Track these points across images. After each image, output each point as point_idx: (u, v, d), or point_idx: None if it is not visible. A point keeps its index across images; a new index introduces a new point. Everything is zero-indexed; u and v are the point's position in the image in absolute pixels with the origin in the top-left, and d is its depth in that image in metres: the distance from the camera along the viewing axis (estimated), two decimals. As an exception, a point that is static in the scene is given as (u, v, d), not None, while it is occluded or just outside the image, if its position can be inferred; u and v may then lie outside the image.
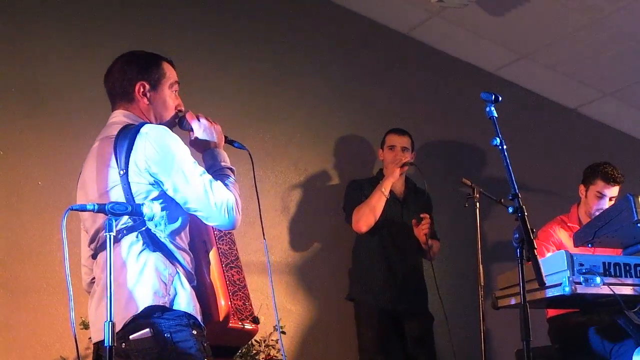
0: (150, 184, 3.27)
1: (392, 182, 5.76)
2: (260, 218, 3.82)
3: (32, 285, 5.11)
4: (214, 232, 3.62)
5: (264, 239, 3.75)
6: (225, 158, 3.57)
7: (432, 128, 7.03)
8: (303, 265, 6.12)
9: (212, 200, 3.28)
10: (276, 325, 5.08)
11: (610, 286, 4.26)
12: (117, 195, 3.25)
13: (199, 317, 3.28)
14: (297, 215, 6.22)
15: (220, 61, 6.16)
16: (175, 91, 3.60)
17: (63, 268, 2.97)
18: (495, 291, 4.84)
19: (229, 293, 3.46)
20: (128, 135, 3.29)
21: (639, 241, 4.55)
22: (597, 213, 5.58)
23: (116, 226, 3.19)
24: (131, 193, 3.24)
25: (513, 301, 4.56)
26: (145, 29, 5.88)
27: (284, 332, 5.66)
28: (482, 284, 5.24)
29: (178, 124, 3.62)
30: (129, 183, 3.24)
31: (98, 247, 3.39)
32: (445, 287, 6.42)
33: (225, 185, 3.39)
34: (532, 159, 7.28)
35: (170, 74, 3.58)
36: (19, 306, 5.06)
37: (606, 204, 5.68)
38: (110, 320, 2.90)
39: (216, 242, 3.60)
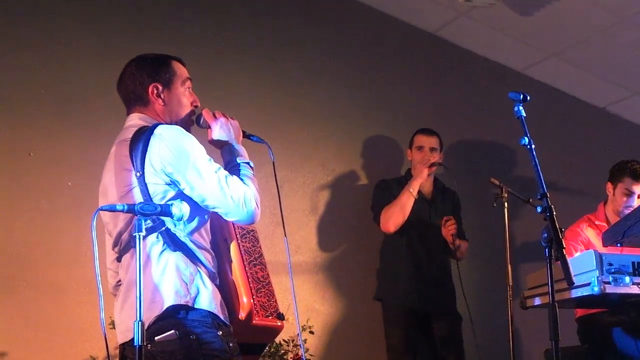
0: (166, 184, 3.29)
1: (421, 182, 5.76)
2: (281, 213, 3.84)
3: (63, 285, 5.15)
4: (235, 230, 3.64)
5: (285, 235, 3.74)
6: (242, 153, 3.57)
7: (460, 128, 7.01)
8: (331, 265, 6.13)
9: (229, 195, 3.29)
10: (303, 325, 5.10)
11: (640, 286, 4.25)
12: (136, 197, 3.27)
13: (223, 315, 3.29)
14: (325, 216, 6.23)
15: (250, 62, 6.18)
16: (189, 88, 3.62)
17: (93, 268, 3.00)
18: (524, 291, 4.83)
19: (251, 290, 3.46)
20: (142, 137, 3.31)
21: (669, 240, 4.52)
22: (626, 210, 5.59)
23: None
24: (149, 194, 3.26)
25: (541, 301, 4.54)
26: (171, 31, 5.91)
27: (312, 332, 5.67)
28: (511, 283, 5.23)
29: (195, 121, 3.64)
30: (146, 184, 3.27)
31: (122, 250, 3.40)
32: (473, 287, 6.42)
33: (242, 179, 3.41)
34: (561, 158, 7.25)
35: (180, 72, 3.60)
36: (49, 307, 5.09)
37: (634, 201, 5.66)
38: (140, 320, 2.91)
39: (238, 240, 3.61)
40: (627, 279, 4.20)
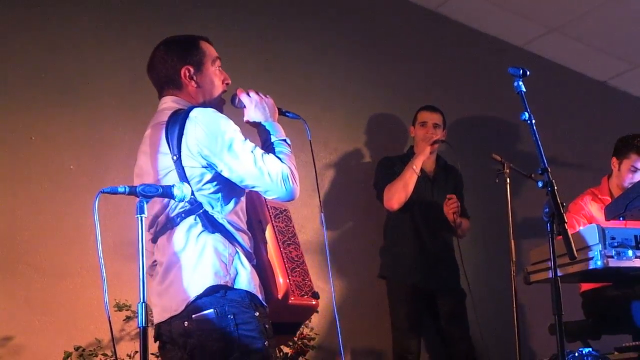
0: (203, 166, 3.31)
1: (423, 159, 5.77)
2: (318, 188, 3.95)
3: (67, 268, 5.15)
4: (269, 210, 3.66)
5: (322, 211, 3.75)
6: (278, 130, 3.58)
7: (462, 104, 7.01)
8: (335, 244, 6.13)
9: (266, 173, 3.31)
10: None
11: (643, 259, 4.26)
12: (172, 180, 3.29)
13: (261, 296, 3.33)
14: (328, 194, 6.23)
15: (250, 41, 6.17)
16: (219, 67, 3.63)
17: (96, 251, 3.00)
18: (527, 266, 4.84)
19: (286, 270, 3.49)
20: (178, 121, 3.33)
21: (671, 214, 4.53)
22: (630, 186, 5.58)
23: (174, 210, 3.33)
24: (186, 177, 3.29)
25: (545, 276, 4.55)
26: (169, 8, 5.91)
27: (317, 311, 5.69)
28: (514, 259, 5.24)
29: (231, 101, 3.67)
30: (183, 168, 3.30)
31: (157, 232, 3.43)
32: (477, 263, 6.44)
33: (279, 157, 3.41)
34: (562, 133, 7.25)
35: (210, 51, 3.62)
36: (53, 290, 5.10)
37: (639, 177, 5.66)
38: (144, 302, 2.94)
39: (272, 220, 3.62)
40: (630, 252, 4.22)
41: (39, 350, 4.94)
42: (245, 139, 3.36)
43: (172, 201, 3.28)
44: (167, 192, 3.10)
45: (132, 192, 3.04)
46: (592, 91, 7.76)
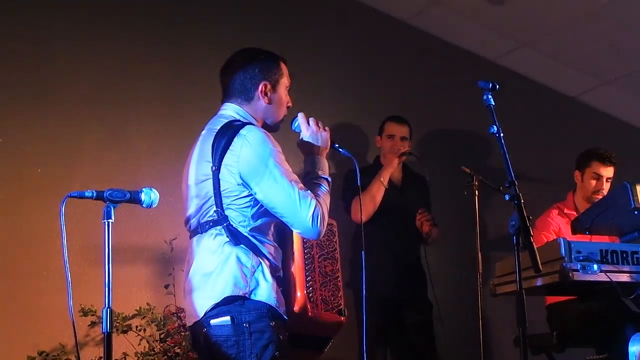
0: (239, 184, 3.37)
1: (391, 171, 5.78)
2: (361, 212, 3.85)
3: (32, 271, 5.13)
4: None
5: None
6: (323, 166, 3.63)
7: (432, 116, 7.03)
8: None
9: (299, 209, 3.34)
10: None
11: (608, 273, 4.27)
12: (207, 188, 3.40)
13: (281, 309, 3.38)
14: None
15: (214, 42, 6.16)
16: (287, 88, 3.73)
17: (62, 255, 2.99)
18: (494, 279, 4.85)
19: (306, 283, 3.53)
20: (228, 133, 3.40)
21: (636, 229, 4.56)
22: (595, 195, 5.73)
23: (204, 217, 3.43)
24: (219, 189, 3.37)
25: (510, 288, 4.57)
26: (146, 9, 5.95)
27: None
28: (481, 271, 5.26)
29: (291, 122, 3.75)
30: (219, 180, 3.37)
31: (191, 231, 3.57)
32: (444, 274, 6.45)
33: (317, 195, 3.45)
34: (531, 147, 7.28)
35: (285, 72, 3.72)
36: (18, 293, 5.08)
37: (603, 184, 5.76)
38: (109, 307, 2.97)
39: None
40: (595, 266, 4.24)
41: (1, 355, 4.91)
42: (288, 170, 3.40)
43: (205, 205, 3.41)
44: (134, 198, 3.12)
45: (100, 196, 3.05)
46: (562, 106, 7.79)
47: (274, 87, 3.63)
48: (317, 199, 3.42)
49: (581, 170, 5.88)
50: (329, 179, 3.61)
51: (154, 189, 3.20)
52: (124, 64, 5.83)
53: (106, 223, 3.01)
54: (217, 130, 3.45)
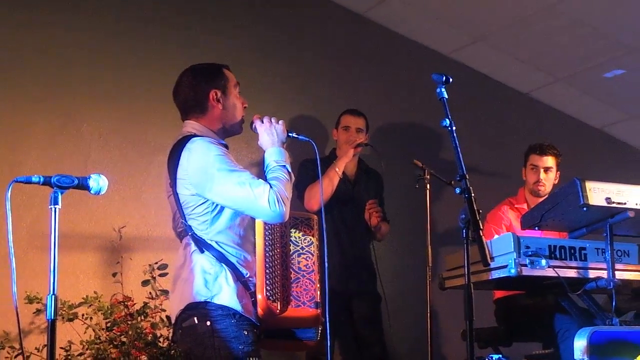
0: (192, 195, 3.62)
1: (346, 162, 5.76)
2: (322, 203, 4.06)
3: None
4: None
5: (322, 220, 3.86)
6: (279, 155, 3.79)
7: (386, 109, 7.03)
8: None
9: (254, 198, 3.53)
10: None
11: (555, 269, 4.31)
12: (172, 204, 3.73)
13: (243, 310, 3.57)
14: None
15: (169, 41, 6.14)
16: (239, 91, 3.93)
17: (6, 241, 2.96)
18: (442, 272, 4.87)
19: (265, 286, 3.58)
20: (177, 149, 3.66)
21: (585, 225, 4.60)
22: (537, 187, 5.85)
23: (177, 226, 3.74)
24: (180, 202, 3.65)
25: (459, 282, 4.58)
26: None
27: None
28: (430, 264, 5.29)
29: (250, 126, 3.93)
30: (177, 194, 3.65)
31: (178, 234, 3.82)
32: (394, 267, 6.48)
33: (270, 182, 3.62)
34: (484, 142, 7.32)
35: (231, 77, 3.92)
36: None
37: (540, 174, 5.87)
38: (54, 294, 2.97)
39: (267, 235, 3.72)
40: (544, 261, 4.26)
41: (-56, 342, 4.86)
42: (234, 168, 3.60)
43: (176, 217, 3.71)
44: (83, 184, 3.12)
45: (47, 182, 3.03)
46: (514, 102, 7.84)
47: (224, 92, 3.84)
48: (270, 183, 3.60)
49: (524, 165, 6.00)
50: (287, 166, 3.75)
51: (102, 176, 3.19)
52: (74, 49, 5.77)
53: (53, 209, 3.00)
54: (171, 148, 3.70)
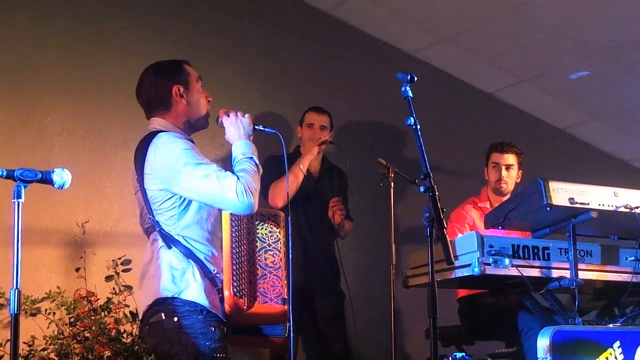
0: (160, 190, 3.64)
1: (310, 159, 5.76)
2: (288, 196, 4.31)
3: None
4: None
5: (288, 216, 3.97)
6: (245, 148, 3.83)
7: (350, 107, 7.03)
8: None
9: (222, 190, 3.56)
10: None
11: (519, 268, 4.35)
12: (139, 200, 3.74)
13: (210, 306, 3.59)
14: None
15: (132, 24, 6.14)
16: (201, 86, 3.94)
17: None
18: (406, 270, 4.89)
19: (232, 282, 3.60)
20: (143, 145, 3.68)
21: (548, 225, 4.63)
22: (499, 184, 5.90)
23: (145, 222, 3.76)
24: (147, 197, 3.66)
25: (423, 280, 4.60)
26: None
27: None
28: (394, 262, 5.30)
29: (216, 121, 3.96)
30: (145, 190, 3.66)
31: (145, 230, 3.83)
32: (358, 265, 6.49)
33: (237, 173, 3.66)
34: (448, 141, 7.35)
35: (193, 72, 3.94)
36: None
37: (502, 171, 5.92)
38: (17, 288, 2.97)
39: (234, 231, 3.74)
40: (507, 261, 4.30)
41: None
42: (201, 161, 3.62)
43: (143, 213, 3.73)
44: (46, 178, 3.11)
45: (10, 175, 3.03)
46: (479, 102, 7.87)
47: (187, 87, 3.86)
48: (238, 175, 3.63)
49: (486, 164, 6.05)
50: (254, 157, 3.79)
51: (66, 170, 3.19)
52: (38, 43, 5.74)
53: (16, 203, 3.00)
54: (137, 144, 3.72)
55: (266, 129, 4.00)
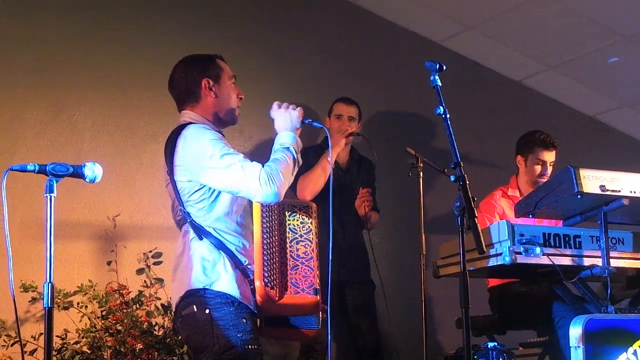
0: (189, 180, 3.69)
1: (338, 151, 5.75)
2: (331, 190, 3.95)
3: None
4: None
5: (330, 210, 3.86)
6: (285, 139, 3.85)
7: (379, 97, 7.02)
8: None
9: (247, 178, 3.58)
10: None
11: (550, 257, 4.31)
12: (170, 192, 3.81)
13: (242, 297, 3.63)
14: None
15: (147, 29, 6.14)
16: (234, 83, 3.99)
17: (2, 229, 2.96)
18: (437, 260, 4.87)
19: (263, 273, 3.61)
20: (173, 137, 3.74)
21: (579, 212, 4.59)
22: (540, 179, 5.75)
23: (177, 214, 3.82)
24: (177, 189, 3.72)
25: (454, 270, 4.59)
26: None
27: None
28: (424, 253, 5.28)
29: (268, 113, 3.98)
30: (175, 181, 3.72)
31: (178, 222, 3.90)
32: (388, 256, 6.47)
33: (269, 162, 3.70)
34: (477, 130, 7.31)
35: (226, 68, 4.00)
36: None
37: (547, 169, 5.81)
38: (50, 282, 2.98)
39: (265, 222, 3.78)
40: (538, 249, 4.27)
41: (-60, 331, 4.85)
42: (228, 151, 3.65)
43: (174, 205, 3.80)
44: (77, 172, 3.13)
45: (42, 170, 3.04)
46: (507, 90, 7.83)
47: (217, 81, 3.91)
48: (264, 164, 3.66)
49: (524, 155, 5.89)
50: (290, 148, 3.79)
51: (97, 164, 3.22)
52: (67, 38, 5.76)
53: (48, 197, 3.01)
54: (167, 137, 3.77)
55: (314, 123, 4.05)
